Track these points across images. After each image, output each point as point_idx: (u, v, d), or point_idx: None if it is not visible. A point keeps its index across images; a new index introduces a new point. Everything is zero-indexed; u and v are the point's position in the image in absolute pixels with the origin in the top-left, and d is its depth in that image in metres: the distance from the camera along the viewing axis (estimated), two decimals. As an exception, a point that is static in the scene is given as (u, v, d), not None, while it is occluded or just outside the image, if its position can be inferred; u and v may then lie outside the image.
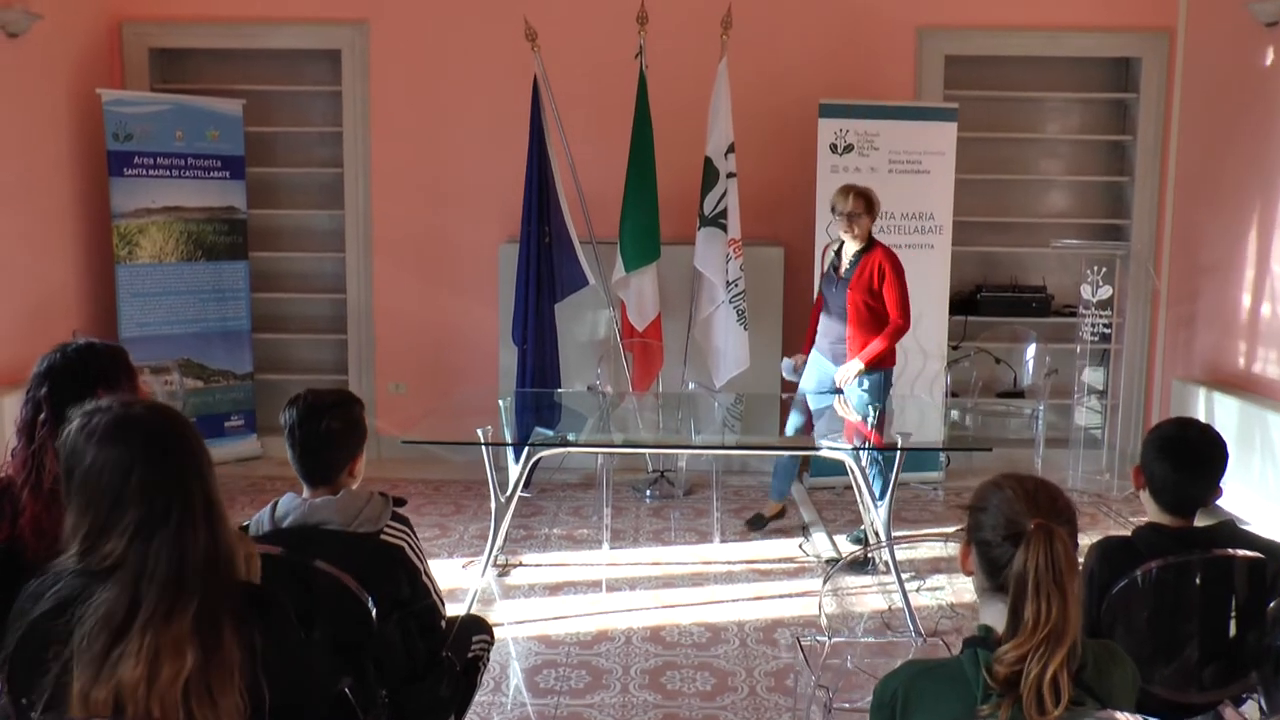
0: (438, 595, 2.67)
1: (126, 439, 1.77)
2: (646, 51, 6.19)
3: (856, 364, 5.18)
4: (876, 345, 5.19)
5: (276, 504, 2.56)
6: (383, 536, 2.53)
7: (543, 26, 6.16)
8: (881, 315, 5.23)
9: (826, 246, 5.64)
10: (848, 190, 5.26)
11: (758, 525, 5.66)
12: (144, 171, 6.49)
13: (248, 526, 2.55)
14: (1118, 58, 7.07)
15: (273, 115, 7.19)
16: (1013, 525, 1.77)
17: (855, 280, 5.23)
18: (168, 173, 6.58)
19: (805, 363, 5.53)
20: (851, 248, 5.31)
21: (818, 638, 2.91)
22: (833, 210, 5.31)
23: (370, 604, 2.42)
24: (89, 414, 1.80)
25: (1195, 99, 6.73)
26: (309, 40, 7.04)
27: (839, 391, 5.24)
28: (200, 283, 6.76)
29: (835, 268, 5.39)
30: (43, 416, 2.45)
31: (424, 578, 2.61)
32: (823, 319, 5.46)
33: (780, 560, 5.33)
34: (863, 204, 5.21)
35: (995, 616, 1.81)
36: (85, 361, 2.49)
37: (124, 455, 1.75)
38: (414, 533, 2.62)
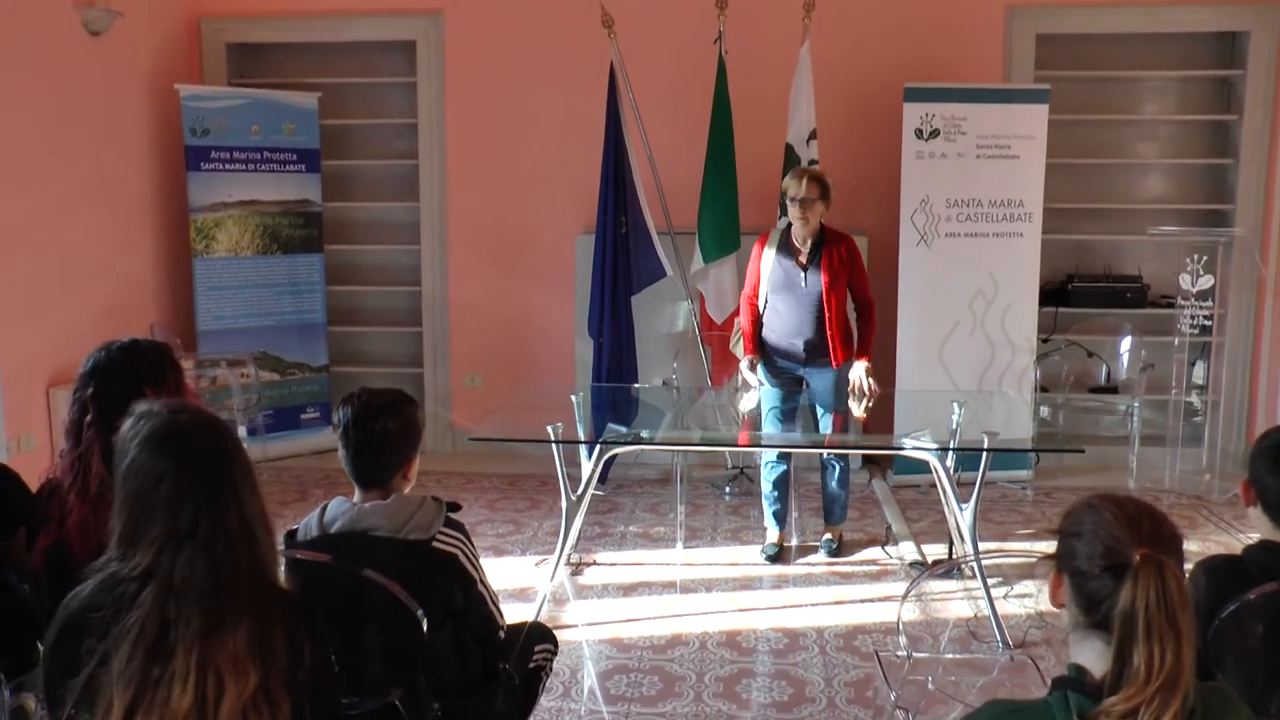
0: (494, 605, 2.55)
1: (164, 448, 1.73)
2: (726, 36, 6.03)
3: (863, 364, 4.90)
4: (868, 334, 4.98)
5: (325, 508, 2.47)
6: (434, 544, 2.41)
7: (619, 13, 6.02)
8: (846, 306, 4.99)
9: (764, 236, 5.13)
10: (802, 174, 4.89)
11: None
12: (220, 166, 6.51)
13: (295, 531, 2.46)
14: (1222, 32, 6.71)
15: (348, 108, 7.17)
16: (1113, 555, 1.57)
17: (826, 271, 4.89)
18: (244, 167, 6.58)
19: (756, 364, 5.07)
20: (803, 237, 4.93)
21: (898, 653, 2.73)
22: (784, 195, 4.96)
23: (420, 614, 2.32)
24: (140, 416, 1.78)
25: (1308, 75, 6.37)
26: (384, 32, 6.99)
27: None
28: (276, 276, 6.76)
29: (793, 258, 4.97)
30: (89, 418, 2.39)
31: (479, 587, 2.50)
32: (779, 315, 5.00)
33: (863, 563, 5.14)
34: (818, 189, 4.84)
35: (1090, 656, 1.62)
36: (131, 360, 2.43)
37: (158, 465, 1.72)
38: (469, 540, 2.50)
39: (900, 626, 2.66)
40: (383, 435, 2.45)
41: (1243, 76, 6.61)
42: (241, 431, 6.16)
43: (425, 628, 2.32)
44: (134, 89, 6.37)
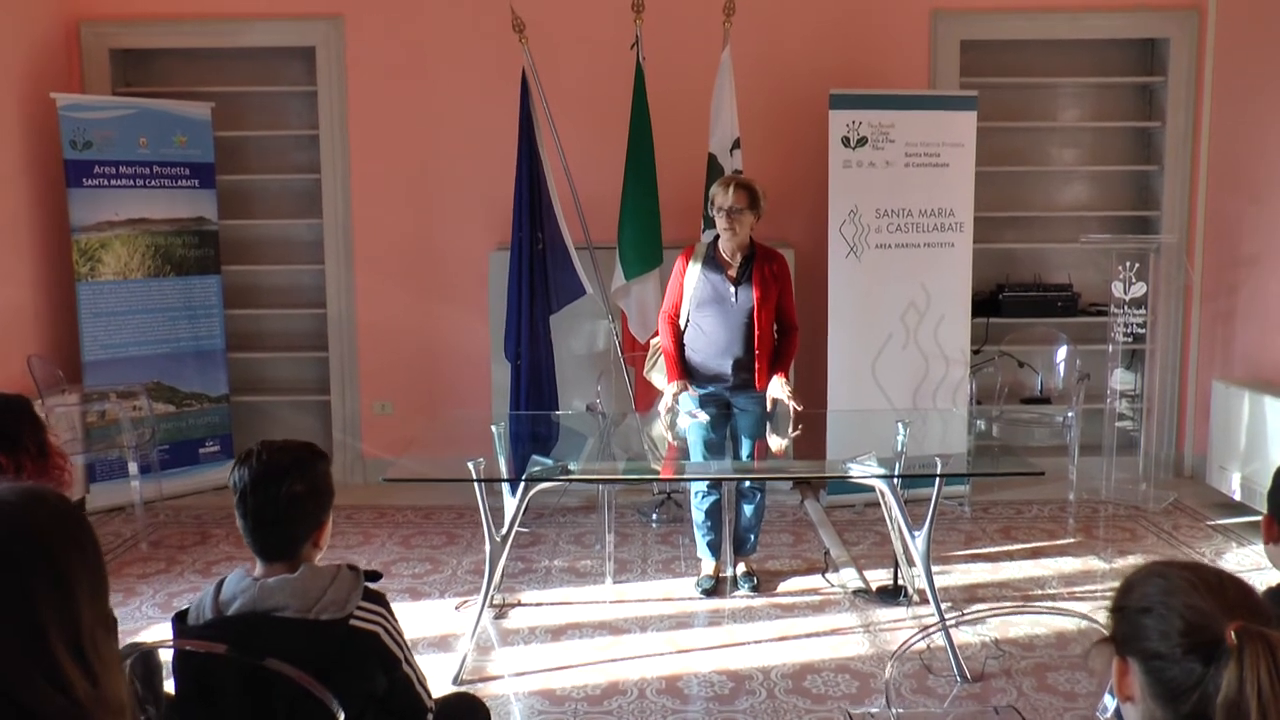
0: (422, 686, 2.23)
1: None
2: (643, 42, 5.76)
3: (780, 379, 4.65)
4: (789, 355, 4.77)
5: (221, 585, 2.12)
6: (352, 622, 2.08)
7: (531, 17, 5.71)
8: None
9: (688, 250, 4.83)
10: (729, 182, 4.64)
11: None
12: (105, 181, 6.03)
13: (186, 614, 2.11)
14: (1143, 39, 6.65)
15: (244, 118, 6.74)
16: (1199, 631, 1.29)
17: (757, 287, 4.62)
18: (131, 182, 6.12)
19: (686, 388, 4.73)
20: (732, 250, 4.67)
21: (870, 710, 2.47)
22: (710, 206, 4.71)
23: (336, 707, 1.98)
24: None
25: (1228, 80, 6.34)
26: (281, 37, 6.58)
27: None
28: (169, 300, 6.29)
29: (721, 272, 4.68)
30: None
31: (404, 667, 2.18)
32: (704, 334, 4.71)
33: (802, 592, 4.89)
34: (746, 198, 4.57)
35: None
36: None
37: None
38: (391, 614, 2.18)
39: (889, 691, 2.37)
40: (288, 500, 2.12)
41: (1164, 83, 6.55)
42: (133, 469, 5.70)
43: (343, 721, 1.99)
44: (4, 98, 5.86)
